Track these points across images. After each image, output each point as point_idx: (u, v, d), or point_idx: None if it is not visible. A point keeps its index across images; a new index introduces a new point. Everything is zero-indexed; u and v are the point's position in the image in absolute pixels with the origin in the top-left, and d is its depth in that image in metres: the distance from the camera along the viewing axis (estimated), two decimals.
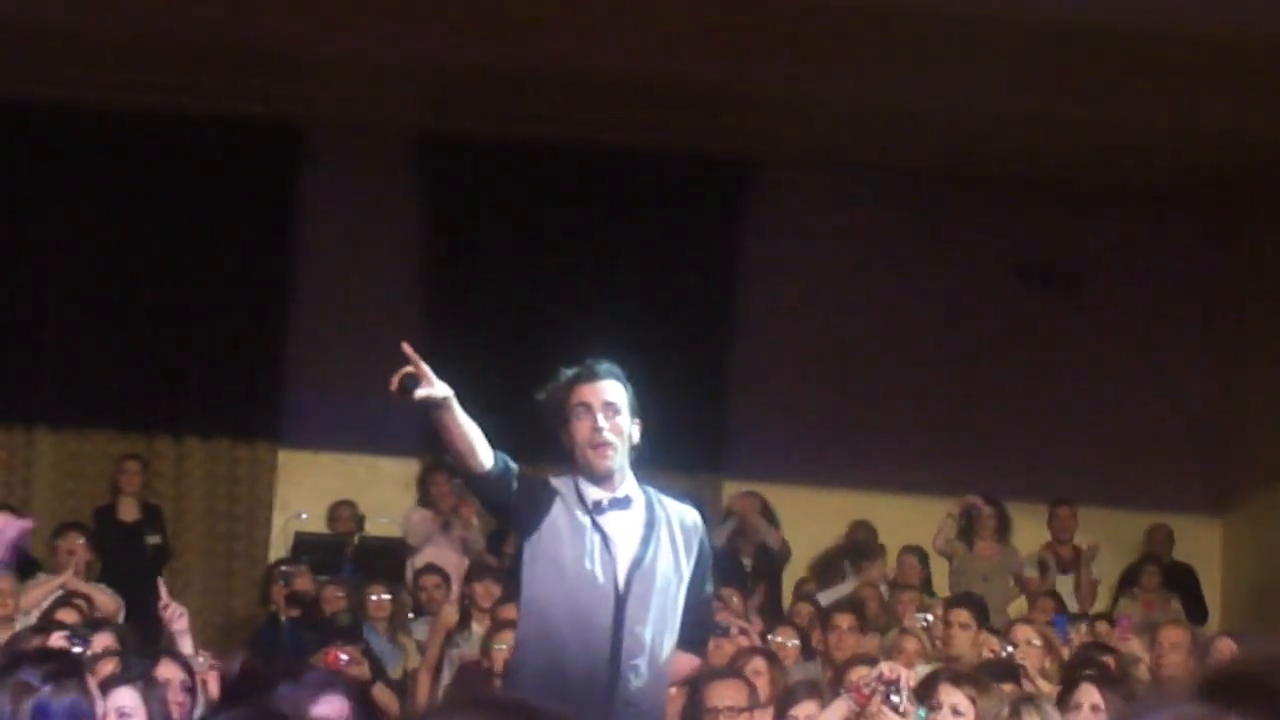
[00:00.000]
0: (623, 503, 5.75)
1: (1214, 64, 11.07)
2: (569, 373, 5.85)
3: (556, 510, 5.73)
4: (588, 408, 5.73)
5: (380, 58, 12.31)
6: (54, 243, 13.40)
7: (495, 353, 12.88)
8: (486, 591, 10.45)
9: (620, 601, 5.68)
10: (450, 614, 10.69)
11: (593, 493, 5.73)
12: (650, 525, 5.77)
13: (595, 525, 5.70)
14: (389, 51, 12.13)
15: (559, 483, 5.79)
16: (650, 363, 13.25)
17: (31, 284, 13.42)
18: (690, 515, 5.89)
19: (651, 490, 5.88)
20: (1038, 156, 13.49)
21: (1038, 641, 9.39)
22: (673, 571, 5.76)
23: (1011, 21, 10.73)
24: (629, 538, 5.75)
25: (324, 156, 13.72)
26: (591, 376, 5.80)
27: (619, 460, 5.74)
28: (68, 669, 4.76)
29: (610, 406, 5.74)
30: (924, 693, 6.82)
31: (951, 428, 13.81)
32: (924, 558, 12.93)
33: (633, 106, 13.00)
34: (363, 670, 9.93)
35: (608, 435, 5.70)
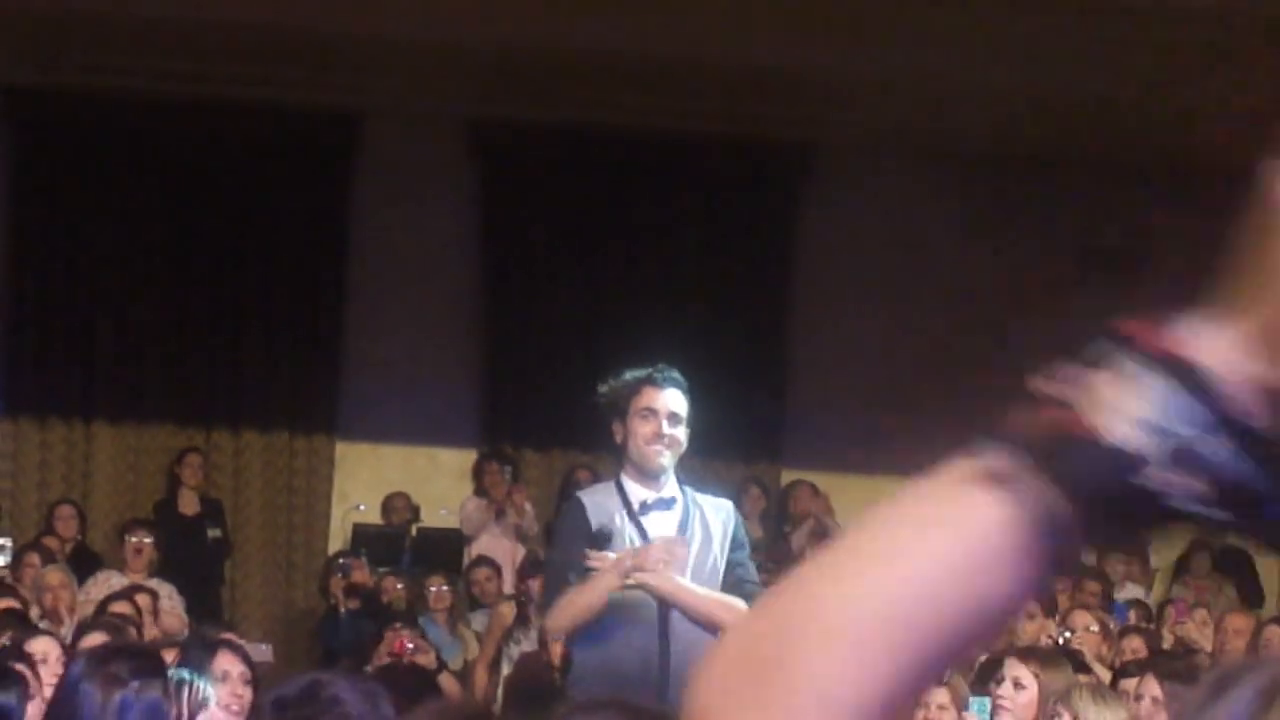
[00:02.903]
0: (667, 503, 6.05)
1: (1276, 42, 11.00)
2: (637, 374, 6.12)
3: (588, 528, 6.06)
4: (654, 413, 6.02)
5: (435, 44, 12.32)
6: (109, 234, 13.44)
7: (552, 339, 12.91)
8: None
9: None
10: (507, 611, 10.74)
11: (639, 492, 6.04)
12: (685, 524, 6.05)
13: (635, 525, 5.99)
14: (444, 37, 12.14)
15: (593, 494, 6.17)
16: (708, 350, 13.47)
17: (88, 277, 13.47)
18: (724, 507, 6.21)
19: (689, 489, 6.18)
20: (1098, 139, 13.43)
21: (1095, 628, 9.37)
22: (708, 564, 6.03)
23: (1072, 1, 10.70)
24: (668, 534, 6.02)
25: (379, 145, 13.73)
26: (661, 383, 6.08)
27: (671, 462, 6.05)
28: (155, 668, 4.85)
29: (674, 416, 6.04)
30: (990, 669, 6.84)
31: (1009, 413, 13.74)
32: None
33: (688, 91, 12.99)
34: (429, 659, 10.00)
35: (667, 441, 6.01)
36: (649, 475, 6.03)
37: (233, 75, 13.05)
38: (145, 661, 4.89)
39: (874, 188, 13.98)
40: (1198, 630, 9.86)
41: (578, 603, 5.91)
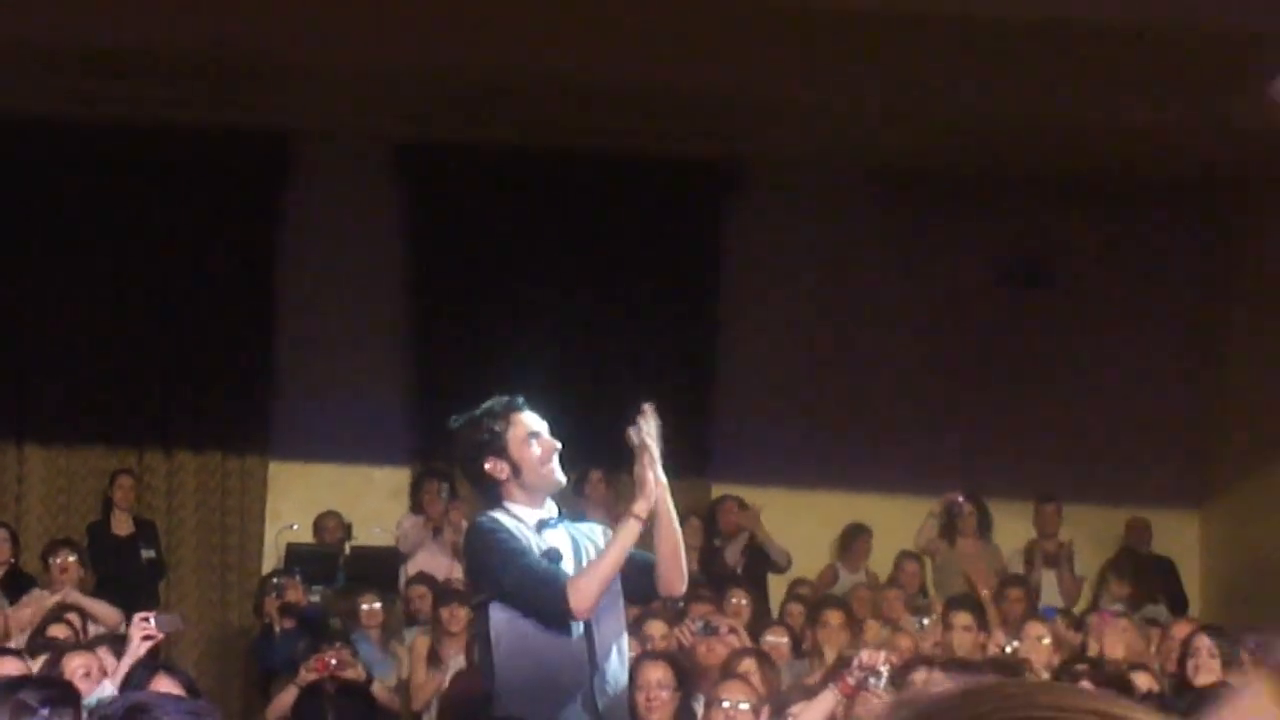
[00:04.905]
0: (554, 522, 6.07)
1: (1195, 61, 11.14)
2: (495, 407, 6.10)
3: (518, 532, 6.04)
4: (537, 435, 6.03)
5: (362, 67, 12.38)
6: (40, 258, 13.43)
7: (482, 358, 12.96)
8: (453, 616, 10.56)
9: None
10: (422, 644, 10.82)
11: (530, 515, 6.03)
12: (574, 539, 6.09)
13: (541, 542, 6.00)
14: (371, 61, 12.20)
15: (493, 519, 6.05)
16: (636, 366, 13.52)
17: (18, 300, 13.47)
18: (596, 527, 6.26)
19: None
20: (1018, 156, 13.58)
21: (1048, 640, 9.47)
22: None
23: (990, 21, 10.81)
24: (565, 551, 6.05)
25: (308, 166, 13.78)
26: (523, 407, 6.09)
27: None
28: (66, 696, 4.91)
29: (549, 432, 6.07)
30: (901, 676, 6.93)
31: (937, 427, 13.89)
32: (921, 562, 13.09)
33: (614, 112, 13.07)
34: (357, 672, 10.07)
35: (557, 457, 6.05)
36: (547, 493, 6.06)
37: (159, 99, 13.07)
38: (56, 690, 4.96)
39: (799, 205, 14.11)
40: (1119, 638, 10.00)
41: (603, 568, 5.88)
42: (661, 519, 6.03)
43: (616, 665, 6.02)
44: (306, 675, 10.09)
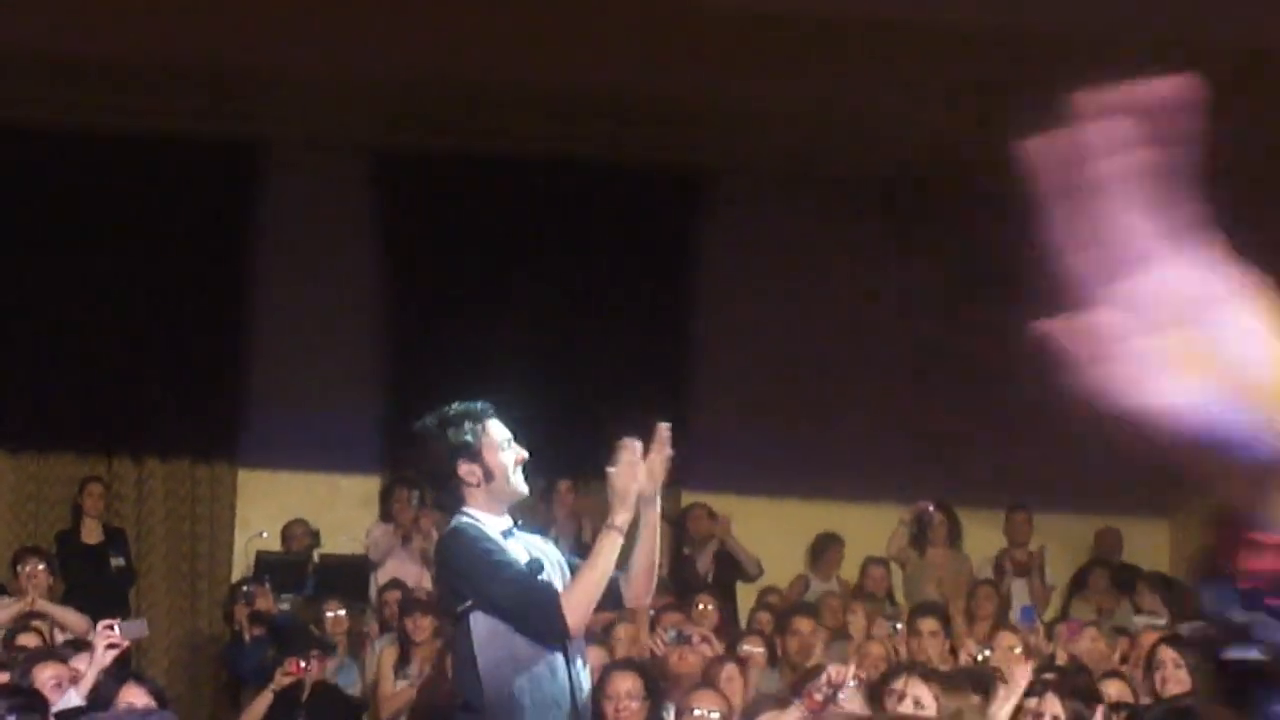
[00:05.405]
0: (512, 532, 5.99)
1: (1167, 67, 11.16)
2: (472, 410, 6.00)
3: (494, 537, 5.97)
4: (510, 442, 5.97)
5: (336, 74, 12.37)
6: (8, 265, 13.41)
7: (454, 367, 12.96)
8: (417, 625, 10.57)
9: None
10: (390, 652, 10.82)
11: (494, 522, 5.95)
12: (529, 551, 6.00)
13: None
14: (344, 68, 12.19)
15: (475, 526, 5.95)
16: (609, 374, 13.50)
17: None
18: (536, 539, 6.17)
19: None
20: (985, 163, 13.59)
21: (1019, 649, 9.49)
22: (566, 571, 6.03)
23: (958, 29, 10.85)
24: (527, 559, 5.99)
25: (280, 174, 13.75)
26: (495, 413, 6.01)
27: None
28: (34, 704, 4.93)
29: (516, 442, 6.01)
30: (884, 683, 6.93)
31: (909, 435, 13.89)
32: (888, 568, 13.11)
33: (586, 121, 13.09)
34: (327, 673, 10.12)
35: (521, 467, 5.98)
36: (509, 502, 5.99)
37: (132, 106, 13.05)
38: (24, 699, 4.99)
39: (771, 213, 14.10)
40: (1088, 647, 10.04)
41: (594, 584, 5.80)
42: (648, 530, 5.98)
43: (585, 674, 6.01)
44: (282, 679, 10.10)
